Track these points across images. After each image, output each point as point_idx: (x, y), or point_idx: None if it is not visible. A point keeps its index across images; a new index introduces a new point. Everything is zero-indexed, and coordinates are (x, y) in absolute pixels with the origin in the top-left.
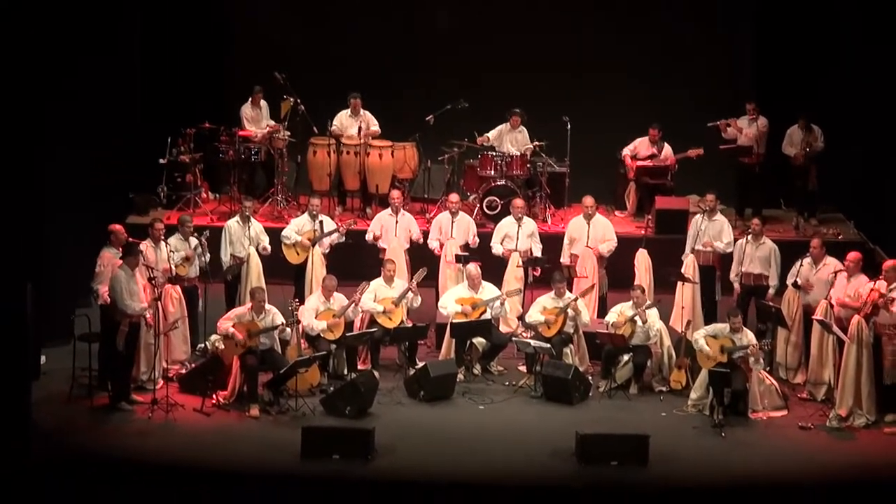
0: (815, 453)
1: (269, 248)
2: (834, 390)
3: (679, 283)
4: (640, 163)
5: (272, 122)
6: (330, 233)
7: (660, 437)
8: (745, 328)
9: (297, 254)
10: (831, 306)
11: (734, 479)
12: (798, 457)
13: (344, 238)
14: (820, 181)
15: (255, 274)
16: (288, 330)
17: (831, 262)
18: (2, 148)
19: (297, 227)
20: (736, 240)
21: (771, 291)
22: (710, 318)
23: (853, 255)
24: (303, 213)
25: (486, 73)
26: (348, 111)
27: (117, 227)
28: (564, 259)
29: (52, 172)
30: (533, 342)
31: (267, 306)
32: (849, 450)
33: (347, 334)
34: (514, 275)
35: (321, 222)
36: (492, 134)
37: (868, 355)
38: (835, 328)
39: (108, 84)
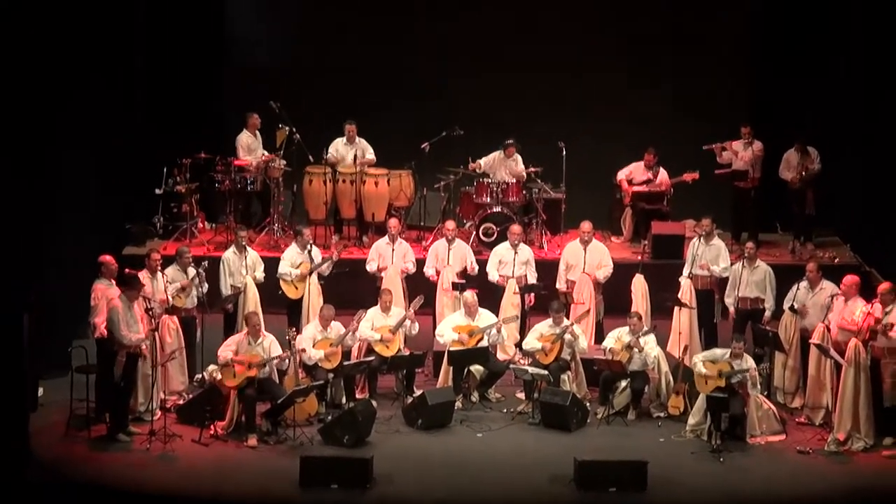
0: (814, 477)
1: (261, 277)
2: (832, 414)
3: (676, 309)
4: (635, 188)
5: (266, 153)
6: (322, 263)
7: (658, 462)
8: (745, 354)
9: (296, 288)
10: (828, 330)
11: (733, 503)
12: (796, 481)
13: (333, 266)
14: (817, 205)
15: (253, 304)
16: (287, 361)
17: (828, 287)
18: (3, 179)
19: (290, 262)
20: (732, 264)
21: (767, 314)
22: (710, 341)
23: (849, 279)
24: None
25: (481, 100)
26: (344, 139)
27: (107, 258)
28: (561, 285)
29: (47, 205)
30: (530, 369)
31: (264, 332)
32: (847, 474)
33: (345, 363)
34: (510, 302)
35: (310, 251)
36: (484, 161)
37: (866, 379)
38: (832, 352)
39: (106, 114)
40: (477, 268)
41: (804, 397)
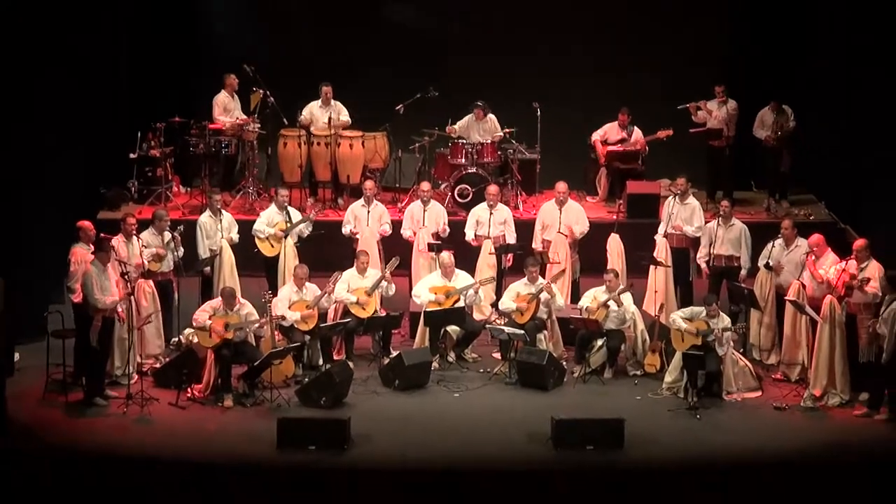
0: (790, 433)
1: (236, 238)
2: (808, 370)
3: (652, 267)
4: (610, 148)
5: (242, 115)
6: (299, 222)
7: (635, 420)
8: (721, 314)
9: (272, 246)
10: (803, 287)
11: (710, 459)
12: (773, 437)
13: (312, 227)
14: (793, 163)
15: (229, 266)
16: (264, 328)
17: (803, 244)
18: None
19: (267, 220)
20: (707, 222)
21: (742, 272)
22: (685, 299)
23: (815, 239)
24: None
25: (455, 59)
26: (318, 102)
27: (86, 223)
28: (537, 245)
29: (25, 169)
30: (507, 329)
31: (241, 300)
32: (823, 429)
33: (321, 325)
34: (487, 262)
35: (288, 212)
36: (459, 125)
37: (841, 335)
38: (807, 308)
39: (81, 78)
40: (448, 229)
41: (780, 354)
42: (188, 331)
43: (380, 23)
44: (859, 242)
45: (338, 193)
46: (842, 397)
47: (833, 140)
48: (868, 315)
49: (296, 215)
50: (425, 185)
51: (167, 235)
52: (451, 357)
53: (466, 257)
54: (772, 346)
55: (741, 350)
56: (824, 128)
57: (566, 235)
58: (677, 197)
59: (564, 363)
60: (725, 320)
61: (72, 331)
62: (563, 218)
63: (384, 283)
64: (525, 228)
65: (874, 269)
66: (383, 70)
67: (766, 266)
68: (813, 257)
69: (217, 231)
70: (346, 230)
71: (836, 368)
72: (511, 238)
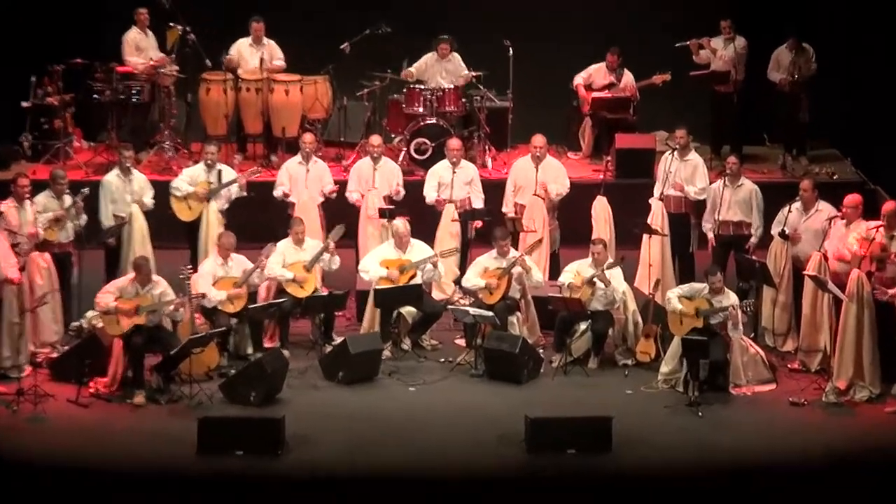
0: (810, 434)
1: (150, 203)
2: (830, 359)
3: (646, 236)
4: (596, 94)
5: (157, 55)
6: (229, 184)
7: (625, 418)
8: (726, 289)
9: (189, 208)
10: (825, 259)
11: (713, 465)
12: (789, 438)
13: (245, 192)
14: (812, 112)
15: (140, 236)
16: (181, 309)
17: (825, 208)
18: None
19: (189, 178)
20: (712, 183)
21: (753, 241)
22: (685, 275)
23: (851, 199)
24: (196, 162)
25: None
26: (248, 39)
27: None
28: (508, 210)
29: None
30: (472, 310)
31: (154, 277)
32: (849, 429)
33: (251, 306)
34: (449, 230)
35: (219, 172)
36: (416, 66)
37: (870, 316)
38: (830, 285)
39: None
40: (403, 191)
41: (797, 339)
42: (91, 314)
43: None
44: (890, 206)
45: (271, 149)
46: (871, 391)
47: (861, 85)
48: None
49: (229, 175)
50: (375, 139)
51: (67, 200)
52: (406, 344)
53: (425, 225)
54: (788, 331)
55: (751, 335)
56: (851, 70)
57: (543, 198)
58: (676, 152)
59: (541, 351)
60: (731, 298)
61: None
62: (539, 178)
63: (326, 256)
64: (495, 190)
65: None
66: (325, 1)
67: (782, 234)
68: (842, 221)
69: (126, 194)
70: (278, 192)
71: (864, 356)
72: (478, 202)
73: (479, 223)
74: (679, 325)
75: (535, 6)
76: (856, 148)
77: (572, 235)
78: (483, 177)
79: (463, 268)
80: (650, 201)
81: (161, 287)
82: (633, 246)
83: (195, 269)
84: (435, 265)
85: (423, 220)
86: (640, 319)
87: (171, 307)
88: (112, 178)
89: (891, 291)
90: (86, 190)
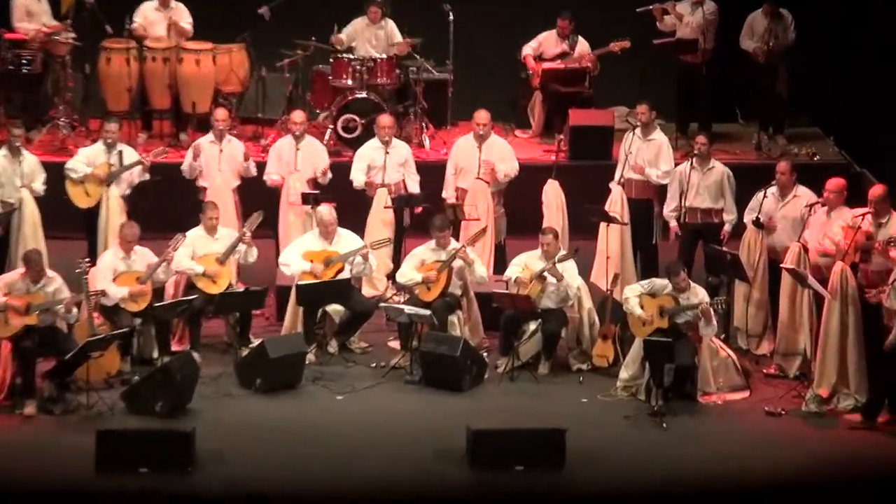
0: (788, 447)
1: (41, 189)
2: (811, 363)
3: (603, 225)
4: (547, 65)
5: (51, 21)
6: (131, 166)
7: (580, 430)
8: (693, 285)
9: (87, 194)
10: (805, 251)
11: (679, 483)
12: (765, 452)
13: (149, 174)
14: (791, 85)
15: (31, 225)
16: (75, 310)
17: (804, 193)
18: None
19: (86, 159)
20: (678, 165)
21: (726, 228)
22: (648, 268)
23: (834, 183)
24: (94, 141)
25: None
26: (154, 2)
27: None
28: (448, 194)
29: None
30: (407, 309)
31: (48, 272)
32: (832, 441)
33: (156, 304)
34: (381, 218)
35: (120, 153)
36: (345, 33)
37: (856, 315)
38: (811, 280)
39: None
40: (330, 175)
41: (774, 341)
42: None
43: None
44: (877, 190)
45: (180, 127)
46: (857, 399)
47: (845, 55)
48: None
49: (131, 156)
50: (298, 116)
51: None
52: (333, 347)
53: (353, 212)
54: (763, 332)
55: (722, 336)
56: (834, 39)
57: (488, 182)
58: (637, 131)
59: (485, 355)
60: (700, 293)
61: None
62: (483, 159)
63: (242, 248)
64: (433, 173)
65: None
66: None
67: (756, 223)
68: (824, 208)
69: (15, 178)
70: (185, 169)
71: (848, 361)
72: (414, 186)
73: (415, 210)
74: (640, 325)
75: None
76: (839, 126)
77: (520, 224)
78: (420, 158)
79: (397, 261)
80: (610, 186)
81: (55, 283)
82: (589, 236)
83: (93, 263)
84: (365, 258)
85: (352, 207)
86: (596, 319)
87: (63, 309)
88: None
89: (883, 296)
90: None
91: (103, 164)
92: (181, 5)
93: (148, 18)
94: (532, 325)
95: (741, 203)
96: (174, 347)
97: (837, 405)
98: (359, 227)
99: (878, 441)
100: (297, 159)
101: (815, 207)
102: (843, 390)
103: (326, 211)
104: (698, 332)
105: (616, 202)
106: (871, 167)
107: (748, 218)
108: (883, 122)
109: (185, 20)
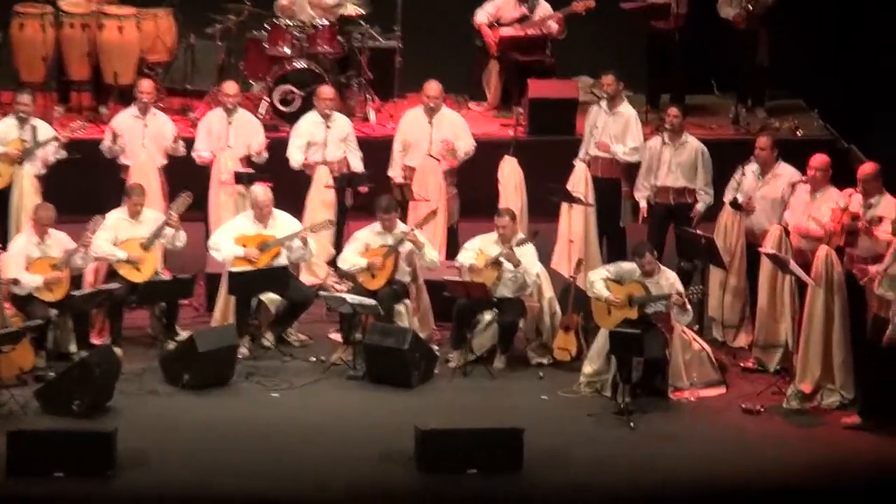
0: (767, 447)
1: None
2: (793, 356)
3: (566, 207)
4: (504, 31)
5: None
6: (46, 143)
7: (539, 430)
8: (663, 268)
9: None
10: (787, 234)
11: (648, 487)
12: (742, 453)
13: (66, 152)
14: (772, 54)
15: None
16: None
17: (786, 171)
18: None
19: None
20: (648, 140)
21: (698, 207)
22: (615, 254)
23: (819, 160)
24: (5, 115)
25: None
26: None
27: None
28: (395, 174)
29: None
30: (350, 297)
31: None
32: (816, 441)
33: (74, 293)
34: (321, 199)
35: (34, 128)
36: None
37: (842, 304)
38: (793, 265)
39: None
40: (265, 152)
41: (752, 332)
42: None
43: None
44: (867, 168)
45: (100, 99)
46: (843, 395)
47: (833, 21)
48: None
49: (46, 132)
50: (231, 87)
51: None
52: (269, 340)
53: (291, 192)
54: (741, 322)
55: (696, 327)
56: (819, 3)
57: (439, 160)
58: (603, 103)
59: (436, 348)
60: (669, 277)
61: None
62: (434, 134)
63: (168, 231)
64: (379, 150)
65: (889, 207)
66: None
67: (733, 204)
68: (807, 186)
69: None
70: (106, 147)
71: (834, 353)
72: (356, 163)
73: (359, 190)
74: (606, 315)
75: None
76: (825, 98)
77: (474, 205)
78: (364, 133)
79: (339, 245)
80: (574, 163)
81: None
82: (551, 218)
83: (4, 249)
84: (304, 242)
85: (289, 187)
86: (557, 308)
87: None
88: None
89: (872, 269)
90: None
91: (15, 141)
92: None
93: None
94: (487, 316)
95: (718, 182)
96: (93, 341)
97: (821, 402)
98: (297, 209)
99: (865, 441)
100: (229, 135)
101: (798, 186)
102: (827, 386)
103: (261, 191)
104: (669, 323)
105: (580, 181)
106: (859, 142)
107: (726, 198)
108: (872, 94)
109: None
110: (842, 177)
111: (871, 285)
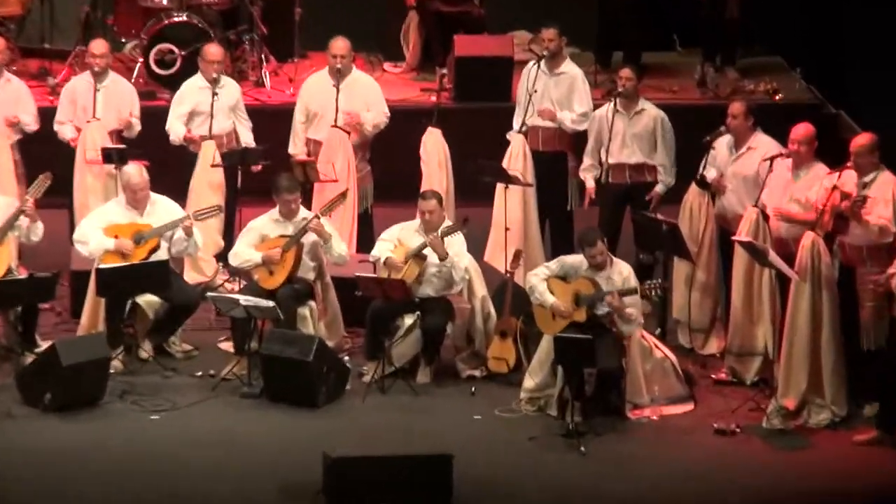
0: (744, 475)
1: None
2: (774, 365)
3: (500, 188)
4: None
5: None
6: None
7: (471, 456)
8: (616, 260)
9: None
10: (765, 218)
11: None
12: (714, 482)
13: None
14: (745, 4)
15: None
16: None
17: (763, 143)
18: None
19: None
20: (597, 107)
21: (658, 189)
22: (560, 244)
23: (802, 130)
24: None
25: None
26: None
27: None
28: (296, 149)
29: None
30: (244, 299)
31: None
32: (802, 467)
33: None
34: (207, 180)
35: None
36: None
37: (832, 302)
38: (773, 256)
39: None
40: (137, 124)
41: (725, 337)
42: None
43: None
44: (862, 140)
45: None
46: (834, 412)
47: None
48: (876, 266)
49: None
50: (98, 47)
51: None
52: (146, 350)
53: (172, 173)
54: (711, 325)
55: (658, 332)
56: None
57: (348, 132)
58: (543, 62)
59: (346, 359)
60: (623, 271)
61: None
62: (342, 102)
63: (23, 221)
64: (277, 120)
65: (886, 185)
66: None
67: (701, 183)
68: (787, 161)
69: None
70: None
71: (823, 362)
72: (249, 137)
73: (253, 169)
74: (551, 318)
75: None
76: (808, 55)
77: (392, 187)
78: (259, 101)
79: (229, 236)
80: (508, 136)
81: None
82: (483, 201)
83: None
84: (188, 232)
85: (170, 166)
86: (492, 310)
87: None
88: None
89: (893, 280)
90: None
91: None
92: None
93: None
94: (408, 320)
95: (682, 158)
96: None
97: (808, 420)
98: (179, 193)
99: (858, 463)
100: (96, 104)
101: (778, 162)
102: (815, 401)
103: (135, 171)
104: (623, 326)
105: (517, 156)
106: (849, 108)
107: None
108: (865, 51)
109: None
110: (830, 149)
111: (887, 285)
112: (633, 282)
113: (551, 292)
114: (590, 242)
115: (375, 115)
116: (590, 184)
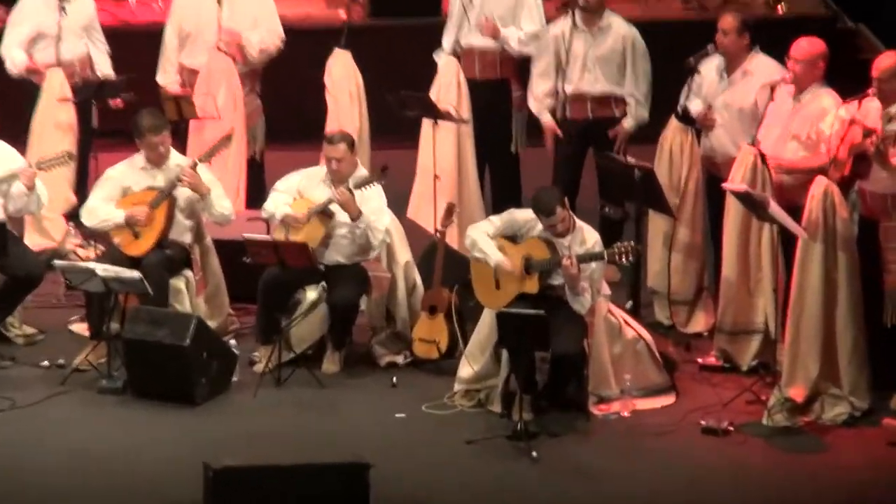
0: (738, 485)
1: None
2: (777, 346)
3: (427, 124)
4: None
5: None
6: None
7: (393, 464)
8: (581, 225)
9: None
10: (764, 160)
11: None
12: (702, 492)
13: None
14: None
15: None
16: None
17: (763, 67)
18: None
19: None
20: (551, 22)
21: (626, 124)
22: (504, 196)
23: (809, 48)
24: None
25: None
26: None
27: None
28: (167, 81)
29: None
30: (101, 269)
31: None
32: (815, 474)
33: None
34: (54, 119)
35: None
36: None
37: (849, 265)
38: (774, 208)
39: None
40: None
41: (714, 312)
42: None
43: None
44: (886, 61)
45: None
46: (853, 403)
47: None
48: None
49: None
50: None
51: None
52: None
53: (9, 110)
54: (696, 297)
55: (629, 305)
56: None
57: (234, 58)
58: None
59: (233, 343)
60: (588, 237)
61: None
62: (225, 18)
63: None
64: (141, 44)
65: None
66: None
67: (683, 116)
68: (789, 87)
69: None
70: None
71: (839, 342)
72: (106, 65)
73: (112, 104)
74: (494, 288)
75: None
76: None
77: (288, 126)
78: (120, 19)
79: (82, 190)
80: (437, 57)
81: None
82: (407, 143)
83: None
84: (29, 186)
85: (7, 102)
86: (418, 280)
87: None
88: None
89: None
90: None
91: None
92: None
93: None
94: (311, 294)
95: (659, 86)
96: None
97: (821, 415)
98: (18, 137)
99: (885, 469)
100: None
101: (779, 89)
102: (829, 391)
103: None
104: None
105: (448, 85)
106: (871, 22)
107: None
108: None
109: None
110: (846, 73)
111: None
112: (599, 248)
113: (492, 251)
114: (547, 210)
115: (265, 36)
116: (547, 119)
